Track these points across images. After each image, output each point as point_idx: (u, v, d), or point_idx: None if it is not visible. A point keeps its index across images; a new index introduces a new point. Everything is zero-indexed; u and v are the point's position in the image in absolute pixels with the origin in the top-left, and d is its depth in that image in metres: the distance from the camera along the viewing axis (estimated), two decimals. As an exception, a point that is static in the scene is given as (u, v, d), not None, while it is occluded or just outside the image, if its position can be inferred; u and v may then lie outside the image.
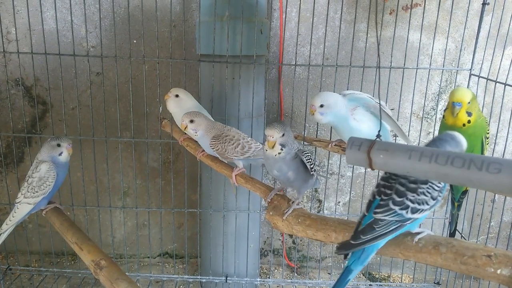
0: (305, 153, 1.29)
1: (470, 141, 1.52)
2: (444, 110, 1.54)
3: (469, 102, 1.47)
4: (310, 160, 1.30)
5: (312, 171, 1.31)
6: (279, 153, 1.25)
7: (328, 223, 1.15)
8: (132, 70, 2.34)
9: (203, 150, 1.78)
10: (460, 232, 2.33)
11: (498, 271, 0.80)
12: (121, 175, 2.46)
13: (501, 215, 2.36)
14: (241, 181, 1.55)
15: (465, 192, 1.72)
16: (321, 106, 1.57)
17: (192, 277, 2.48)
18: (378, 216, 0.94)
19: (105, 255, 1.51)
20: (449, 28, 2.22)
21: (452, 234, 1.83)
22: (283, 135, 1.24)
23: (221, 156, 1.62)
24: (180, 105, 1.83)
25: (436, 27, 2.19)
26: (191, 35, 2.39)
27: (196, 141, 1.87)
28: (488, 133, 1.56)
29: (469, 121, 1.48)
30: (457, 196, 1.73)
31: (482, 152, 1.56)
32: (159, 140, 2.28)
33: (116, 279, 1.40)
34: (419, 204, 0.95)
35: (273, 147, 1.24)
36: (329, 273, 2.72)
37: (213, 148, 1.62)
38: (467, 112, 1.48)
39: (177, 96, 1.83)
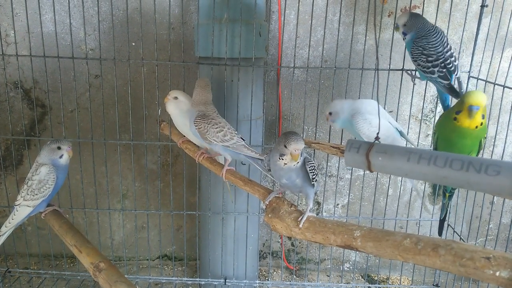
0: (310, 163, 1.29)
1: (473, 143, 1.53)
2: (456, 113, 1.51)
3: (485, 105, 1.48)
4: (313, 170, 1.30)
5: (313, 181, 1.31)
6: (297, 162, 1.25)
7: (327, 225, 1.15)
8: (131, 72, 2.34)
9: (202, 153, 1.78)
10: (459, 234, 2.33)
11: (497, 273, 0.80)
12: (120, 178, 2.46)
13: (500, 217, 2.37)
14: (240, 183, 1.55)
15: None
16: (330, 113, 1.73)
17: (191, 279, 2.48)
18: None
19: (104, 257, 1.52)
20: (447, 30, 2.23)
21: (442, 221, 1.88)
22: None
23: (202, 136, 1.66)
24: (179, 107, 1.83)
25: (434, 29, 2.19)
26: (190, 37, 2.39)
27: (195, 144, 1.87)
28: (485, 135, 1.58)
29: (481, 124, 1.48)
30: (448, 188, 1.76)
31: (478, 152, 1.59)
32: (158, 142, 2.28)
33: (115, 282, 1.40)
34: None
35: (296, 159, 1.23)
36: (328, 276, 2.72)
37: (196, 126, 1.66)
38: (482, 115, 1.47)
39: (176, 98, 1.84)
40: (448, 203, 1.82)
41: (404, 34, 1.83)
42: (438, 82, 1.76)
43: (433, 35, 1.75)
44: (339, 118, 1.70)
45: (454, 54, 1.76)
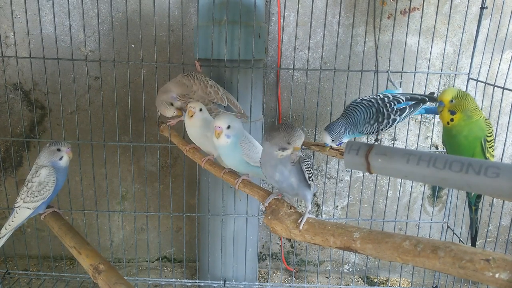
0: (305, 161, 1.29)
1: (471, 144, 1.50)
2: None
3: (451, 101, 1.46)
4: (309, 168, 1.30)
5: (310, 180, 1.30)
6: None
7: (326, 227, 1.15)
8: (131, 74, 2.34)
9: (204, 159, 1.75)
10: (458, 236, 2.33)
11: (497, 275, 0.80)
12: (120, 179, 2.46)
13: (500, 219, 2.37)
14: (239, 185, 1.54)
15: (480, 196, 1.69)
16: (229, 127, 1.47)
17: (190, 281, 2.48)
18: None
19: (103, 259, 1.51)
20: (447, 32, 2.23)
21: (473, 238, 1.78)
22: None
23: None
24: (204, 117, 1.67)
25: (434, 31, 2.20)
26: (189, 39, 2.40)
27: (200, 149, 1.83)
28: (489, 136, 1.53)
29: (452, 119, 1.48)
30: (473, 200, 1.70)
31: (484, 156, 1.54)
32: (158, 144, 2.28)
33: (114, 283, 1.39)
34: None
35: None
36: (327, 277, 2.72)
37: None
38: (449, 111, 1.47)
39: (201, 110, 1.65)
40: (476, 218, 1.74)
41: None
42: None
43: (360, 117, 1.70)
44: (235, 135, 1.49)
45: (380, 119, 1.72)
